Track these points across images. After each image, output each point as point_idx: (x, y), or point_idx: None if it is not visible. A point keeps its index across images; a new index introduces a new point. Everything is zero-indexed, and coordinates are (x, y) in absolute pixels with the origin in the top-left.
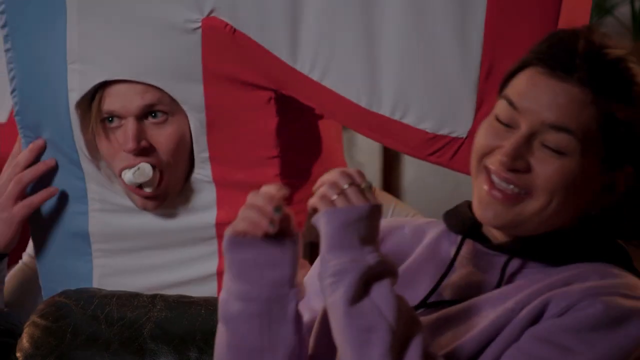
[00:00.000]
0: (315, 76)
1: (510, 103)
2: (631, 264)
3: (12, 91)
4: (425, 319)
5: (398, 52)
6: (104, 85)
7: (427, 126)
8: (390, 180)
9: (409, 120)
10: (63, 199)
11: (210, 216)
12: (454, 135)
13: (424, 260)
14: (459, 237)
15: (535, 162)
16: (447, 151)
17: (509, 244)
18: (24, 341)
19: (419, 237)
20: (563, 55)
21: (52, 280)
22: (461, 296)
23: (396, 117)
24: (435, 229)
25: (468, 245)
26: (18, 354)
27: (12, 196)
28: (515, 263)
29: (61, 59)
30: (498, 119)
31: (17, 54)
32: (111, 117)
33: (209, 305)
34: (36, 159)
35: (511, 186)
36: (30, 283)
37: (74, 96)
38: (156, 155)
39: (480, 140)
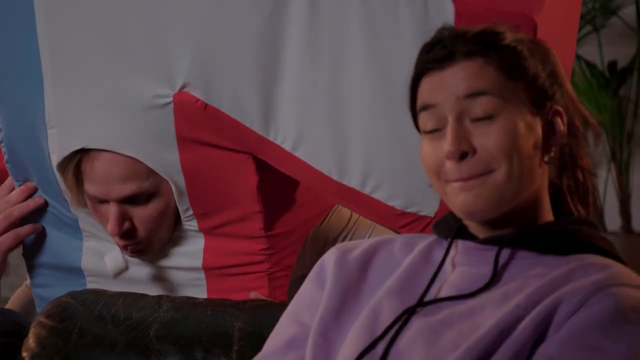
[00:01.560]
0: (287, 147)
1: (427, 106)
2: (616, 253)
3: (1, 141)
4: (429, 321)
5: (366, 128)
6: (82, 154)
7: (396, 203)
8: None
9: (379, 195)
10: (58, 233)
11: (196, 262)
12: (422, 214)
13: (419, 266)
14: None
15: (478, 139)
16: (417, 226)
17: (497, 236)
18: (30, 341)
19: (410, 248)
20: (439, 49)
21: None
22: (459, 292)
23: (366, 191)
24: (428, 239)
25: (459, 246)
26: (24, 354)
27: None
28: (505, 253)
29: (41, 122)
30: (427, 131)
31: (3, 111)
32: (94, 199)
33: (215, 306)
34: (26, 199)
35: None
36: (33, 304)
37: (55, 158)
38: (136, 231)
39: (427, 159)
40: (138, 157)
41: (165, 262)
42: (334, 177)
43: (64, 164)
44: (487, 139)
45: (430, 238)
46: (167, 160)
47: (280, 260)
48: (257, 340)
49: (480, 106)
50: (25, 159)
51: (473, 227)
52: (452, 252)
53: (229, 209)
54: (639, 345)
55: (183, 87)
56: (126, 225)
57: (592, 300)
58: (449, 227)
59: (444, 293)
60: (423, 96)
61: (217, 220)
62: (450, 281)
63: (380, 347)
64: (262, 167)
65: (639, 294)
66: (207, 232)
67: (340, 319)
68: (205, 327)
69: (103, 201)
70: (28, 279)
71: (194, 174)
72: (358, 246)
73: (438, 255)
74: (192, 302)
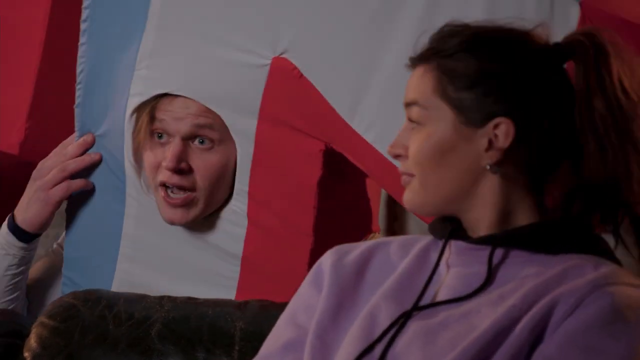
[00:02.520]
0: (369, 138)
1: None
2: (611, 252)
3: (78, 83)
4: (425, 323)
5: None
6: (162, 97)
7: None
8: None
9: None
10: (103, 195)
11: (237, 248)
12: None
13: (415, 269)
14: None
15: (409, 144)
16: None
17: (489, 235)
18: (32, 341)
19: (407, 250)
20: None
21: (73, 270)
22: (455, 295)
23: None
24: (424, 241)
25: (454, 246)
26: (26, 354)
27: (53, 181)
28: (499, 253)
29: (131, 63)
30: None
31: (90, 50)
32: (160, 133)
33: (217, 306)
34: (83, 153)
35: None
36: (55, 269)
37: (134, 101)
38: (192, 178)
39: None
40: (219, 112)
41: (206, 237)
42: None
43: (141, 107)
44: (410, 146)
45: (427, 239)
46: (244, 125)
47: None
48: (259, 341)
49: (412, 114)
50: (99, 104)
51: (468, 227)
52: (446, 253)
53: (284, 199)
54: (637, 344)
55: (284, 52)
56: (183, 165)
57: (588, 300)
58: (443, 228)
59: (440, 295)
60: None
61: (269, 208)
62: (446, 283)
63: (378, 350)
64: (330, 167)
65: (635, 293)
66: (253, 221)
67: (338, 322)
68: (207, 327)
69: (166, 143)
70: (54, 245)
71: (264, 148)
72: (355, 249)
73: (434, 256)
74: (193, 302)
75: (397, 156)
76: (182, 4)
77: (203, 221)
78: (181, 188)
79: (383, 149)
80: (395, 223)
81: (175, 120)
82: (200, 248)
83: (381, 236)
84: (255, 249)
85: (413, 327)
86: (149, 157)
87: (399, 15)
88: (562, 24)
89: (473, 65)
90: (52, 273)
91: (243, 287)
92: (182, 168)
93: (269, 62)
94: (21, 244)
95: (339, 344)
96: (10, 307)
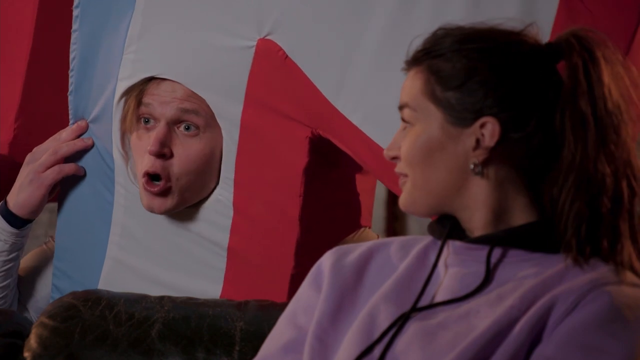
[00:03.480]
0: (355, 120)
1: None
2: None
3: (71, 70)
4: (424, 324)
5: None
6: (150, 81)
7: None
8: (395, 227)
9: None
10: (94, 182)
11: (223, 238)
12: None
13: (414, 270)
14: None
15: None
16: None
17: (486, 235)
18: (32, 341)
19: (407, 251)
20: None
21: (63, 260)
22: (454, 295)
23: None
24: (424, 241)
25: (452, 246)
26: (26, 354)
27: (45, 164)
28: (497, 253)
29: (119, 47)
30: None
31: (82, 36)
32: (147, 118)
33: (217, 307)
34: (76, 139)
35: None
36: (46, 260)
37: (122, 85)
38: (171, 164)
39: None
40: (204, 96)
41: (192, 227)
42: None
43: (129, 92)
44: (402, 147)
45: (426, 240)
46: (229, 110)
47: (304, 265)
48: (259, 341)
49: (405, 115)
50: (90, 90)
51: (466, 227)
52: (445, 253)
53: (270, 186)
54: (636, 343)
55: (268, 34)
56: (165, 150)
57: (587, 299)
58: (442, 228)
59: (439, 296)
60: None
61: (255, 196)
62: (445, 284)
63: (377, 351)
64: (317, 155)
65: (634, 292)
66: (239, 210)
67: (337, 323)
68: (207, 327)
69: (152, 128)
70: (48, 237)
71: (249, 134)
72: (355, 249)
73: (433, 257)
74: (194, 302)
75: (393, 158)
76: None
77: (189, 210)
78: (157, 176)
79: (369, 130)
80: (396, 223)
81: (161, 104)
82: (187, 238)
83: (382, 236)
84: (241, 239)
85: (412, 328)
86: (135, 143)
87: None
88: (542, 16)
89: (460, 65)
90: (43, 264)
91: (230, 277)
92: (164, 153)
93: (254, 43)
94: (12, 229)
95: (339, 345)
96: (2, 295)
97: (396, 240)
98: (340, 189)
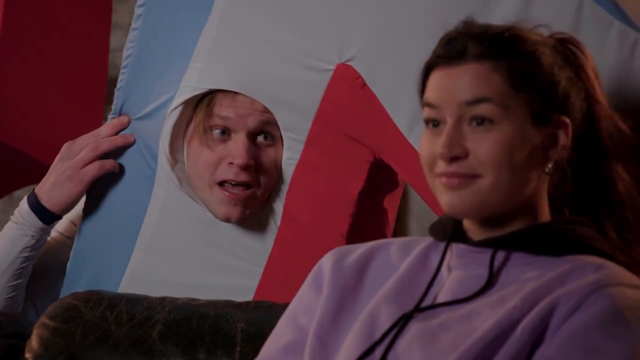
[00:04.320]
0: None
1: (430, 105)
2: (612, 253)
3: (124, 67)
4: (426, 325)
5: None
6: (219, 93)
7: None
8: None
9: None
10: (128, 180)
11: (264, 248)
12: None
13: (415, 271)
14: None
15: (472, 144)
16: None
17: (490, 238)
18: (33, 342)
19: (407, 251)
20: (453, 45)
21: (85, 257)
22: (456, 297)
23: None
24: (425, 242)
25: (455, 249)
26: (27, 355)
27: (84, 160)
28: (500, 256)
29: (186, 54)
30: (428, 124)
31: (143, 35)
32: (220, 128)
33: (218, 307)
34: (116, 134)
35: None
36: (50, 256)
37: (185, 92)
38: (257, 175)
39: (423, 152)
40: (274, 111)
41: (233, 235)
42: None
43: (194, 100)
44: (480, 146)
45: (427, 241)
46: (297, 126)
47: None
48: (260, 342)
49: (480, 112)
50: (143, 91)
51: (469, 229)
52: (447, 256)
53: (322, 203)
54: (637, 345)
55: (349, 60)
56: (252, 161)
57: (589, 300)
58: (445, 230)
59: (441, 298)
60: (429, 92)
61: (304, 208)
62: (447, 286)
63: (378, 352)
64: (372, 180)
65: (635, 294)
66: (287, 219)
67: (338, 324)
68: (208, 328)
69: (227, 139)
70: (52, 232)
71: (312, 151)
72: (355, 250)
73: (434, 259)
74: (195, 303)
75: (454, 158)
76: (248, 3)
77: None
78: (243, 185)
79: None
80: (397, 224)
81: (241, 116)
82: (222, 246)
83: None
84: (286, 246)
85: (414, 328)
86: (205, 154)
87: None
88: None
89: (537, 66)
90: (49, 260)
91: (265, 287)
92: (251, 164)
93: (333, 67)
94: (42, 225)
95: (339, 346)
96: (11, 295)
97: (396, 241)
98: (380, 209)
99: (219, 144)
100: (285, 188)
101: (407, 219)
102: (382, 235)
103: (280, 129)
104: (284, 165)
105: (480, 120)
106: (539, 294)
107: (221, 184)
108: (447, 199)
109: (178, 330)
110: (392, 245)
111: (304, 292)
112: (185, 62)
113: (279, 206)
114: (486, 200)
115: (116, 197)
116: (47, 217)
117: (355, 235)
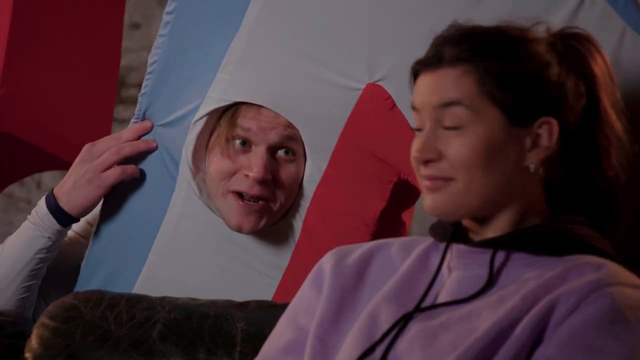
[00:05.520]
0: None
1: (414, 109)
2: (612, 252)
3: (149, 73)
4: (426, 325)
5: None
6: (244, 105)
7: None
8: None
9: None
10: (150, 187)
11: (281, 260)
12: None
13: (416, 271)
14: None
15: (444, 147)
16: None
17: (490, 239)
18: (33, 342)
19: (408, 252)
20: (432, 51)
21: (99, 259)
22: (456, 297)
23: None
24: (425, 242)
25: (455, 249)
26: (27, 355)
27: (106, 163)
28: (500, 256)
29: (214, 65)
30: (414, 129)
31: (171, 42)
32: (241, 139)
33: (218, 307)
34: (138, 139)
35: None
36: (65, 256)
37: (211, 102)
38: (274, 190)
39: (411, 156)
40: (299, 127)
41: (249, 246)
42: None
43: (219, 111)
44: (451, 149)
45: (428, 241)
46: (322, 143)
47: None
48: (260, 342)
49: (450, 116)
50: (169, 94)
51: (469, 230)
52: (448, 256)
53: (342, 220)
54: (637, 344)
55: (380, 80)
56: (268, 175)
57: (588, 300)
58: (445, 231)
59: (441, 298)
60: (413, 97)
61: (325, 223)
62: (447, 286)
63: (379, 352)
64: (393, 200)
65: (635, 293)
66: (308, 235)
67: (338, 324)
68: (208, 328)
69: (247, 151)
70: (69, 232)
71: (337, 167)
72: (355, 250)
73: (435, 259)
74: (195, 303)
75: (428, 161)
76: (279, 17)
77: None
78: (259, 198)
79: None
80: None
81: (263, 130)
82: (238, 257)
83: None
84: (303, 261)
85: (414, 328)
86: (223, 163)
87: None
88: None
89: (517, 66)
90: (64, 260)
91: (280, 298)
92: (268, 179)
93: (362, 86)
94: (59, 227)
95: (340, 346)
96: (24, 296)
97: (397, 241)
98: (398, 225)
99: (239, 154)
100: (305, 204)
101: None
102: None
103: (305, 145)
104: (305, 182)
105: (450, 126)
106: (538, 294)
107: (236, 193)
108: (426, 201)
109: (178, 330)
110: (393, 245)
111: (304, 292)
112: (212, 73)
113: (297, 222)
114: (462, 203)
115: (135, 201)
116: (65, 219)
117: None
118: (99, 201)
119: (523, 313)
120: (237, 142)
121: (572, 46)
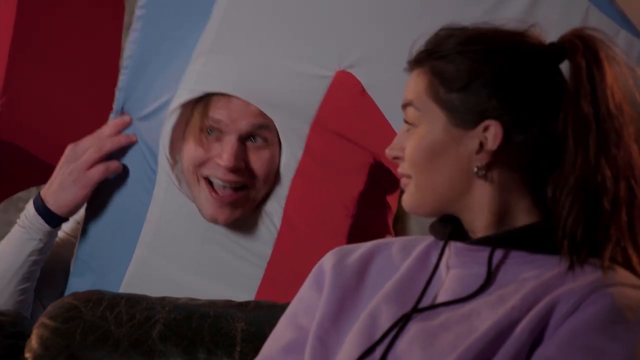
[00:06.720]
0: None
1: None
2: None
3: (124, 67)
4: (426, 325)
5: None
6: (216, 95)
7: None
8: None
9: None
10: (132, 181)
11: (265, 249)
12: None
13: (416, 271)
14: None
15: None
16: None
17: (487, 237)
18: (33, 342)
19: (408, 251)
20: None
21: (88, 257)
22: (455, 297)
23: None
24: (426, 242)
25: (453, 247)
26: (27, 355)
27: (89, 162)
28: (499, 254)
29: (186, 55)
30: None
31: (143, 36)
32: (212, 129)
33: (218, 307)
34: (117, 134)
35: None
36: (58, 257)
37: (183, 94)
38: (248, 177)
39: None
40: (272, 116)
41: (232, 236)
42: None
43: (191, 102)
44: (406, 148)
45: (428, 240)
46: (295, 130)
47: None
48: (260, 341)
49: (407, 116)
50: (144, 88)
51: (469, 228)
52: (446, 254)
53: (323, 206)
54: (637, 344)
55: (349, 67)
56: (240, 163)
57: (588, 300)
58: (443, 229)
59: (441, 297)
60: None
61: (304, 212)
62: (446, 285)
63: (378, 352)
64: (372, 181)
65: (635, 293)
66: (289, 222)
67: (338, 324)
68: (208, 328)
69: (219, 139)
70: (59, 233)
71: (312, 153)
72: (356, 250)
73: (434, 258)
74: (195, 303)
75: (395, 158)
76: (249, 7)
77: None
78: (236, 185)
79: None
80: (397, 224)
81: (233, 120)
82: (223, 246)
83: None
84: (285, 251)
85: (413, 329)
86: (195, 151)
87: None
88: None
89: (464, 67)
90: (57, 261)
91: (265, 288)
92: (240, 167)
93: (332, 74)
94: (48, 228)
95: (340, 346)
96: (21, 298)
97: (397, 241)
98: (380, 209)
99: (212, 143)
100: (283, 191)
101: (407, 219)
102: (384, 234)
103: (279, 133)
104: (282, 170)
105: (409, 125)
106: (538, 294)
107: (208, 180)
108: (403, 196)
109: (178, 330)
110: (394, 245)
111: (305, 292)
112: (185, 64)
113: (277, 209)
114: (420, 200)
115: (118, 197)
116: (54, 220)
117: (357, 236)
118: (86, 200)
119: (523, 313)
120: (207, 131)
121: (558, 50)
